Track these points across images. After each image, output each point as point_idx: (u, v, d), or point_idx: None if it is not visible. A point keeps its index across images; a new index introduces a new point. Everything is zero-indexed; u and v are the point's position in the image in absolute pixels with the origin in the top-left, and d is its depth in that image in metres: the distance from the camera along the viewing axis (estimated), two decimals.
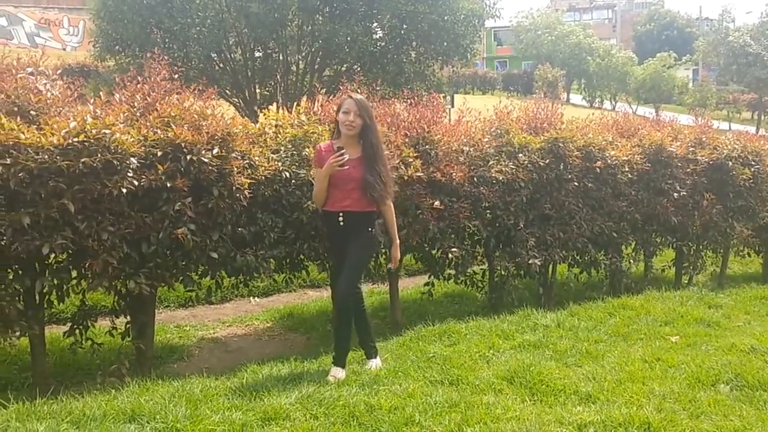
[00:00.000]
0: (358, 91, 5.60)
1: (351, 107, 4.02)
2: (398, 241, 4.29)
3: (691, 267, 7.42)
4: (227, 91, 15.70)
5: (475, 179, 5.52)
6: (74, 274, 4.05)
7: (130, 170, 3.87)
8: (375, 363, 4.22)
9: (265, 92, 16.32)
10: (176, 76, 4.64)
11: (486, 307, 6.07)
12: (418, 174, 5.10)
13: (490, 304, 6.06)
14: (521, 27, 45.07)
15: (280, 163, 4.69)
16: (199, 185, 4.21)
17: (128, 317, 4.39)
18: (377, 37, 15.80)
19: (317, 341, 5.36)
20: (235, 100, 16.00)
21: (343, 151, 3.95)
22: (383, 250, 5.22)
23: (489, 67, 48.93)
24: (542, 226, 6.00)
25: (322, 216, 4.29)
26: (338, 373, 3.98)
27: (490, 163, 5.65)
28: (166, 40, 14.38)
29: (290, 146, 4.89)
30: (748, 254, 8.23)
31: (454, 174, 5.30)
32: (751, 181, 7.35)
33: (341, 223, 4.05)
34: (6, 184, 3.53)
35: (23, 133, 3.62)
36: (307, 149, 4.86)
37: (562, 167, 5.94)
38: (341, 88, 5.73)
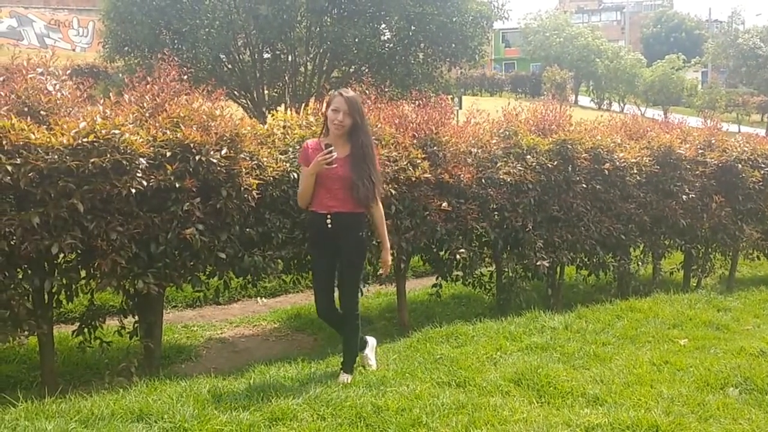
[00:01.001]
0: (366, 92, 5.62)
1: (341, 106, 3.83)
2: (388, 245, 4.05)
3: (700, 270, 7.38)
4: (236, 93, 15.76)
5: (483, 181, 5.51)
6: (83, 273, 4.07)
7: (139, 170, 3.88)
8: (347, 378, 4.00)
9: (274, 93, 16.36)
10: (185, 77, 4.65)
11: (493, 308, 6.06)
12: (426, 175, 5.10)
13: (497, 305, 6.05)
14: (529, 29, 44.96)
15: (288, 164, 4.70)
16: (208, 186, 4.22)
17: (136, 317, 4.41)
18: (385, 38, 15.82)
19: (324, 342, 5.37)
20: (244, 101, 16.06)
21: (331, 148, 3.82)
22: (392, 252, 5.21)
23: (495, 68, 48.84)
24: (550, 227, 5.98)
25: (309, 218, 4.16)
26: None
27: (498, 164, 5.64)
28: (175, 41, 14.47)
29: (298, 147, 4.89)
30: (757, 257, 8.16)
31: (462, 175, 5.29)
32: (761, 183, 7.30)
33: (329, 226, 3.92)
34: (16, 184, 3.55)
35: (33, 133, 3.64)
36: None
37: (570, 169, 5.92)
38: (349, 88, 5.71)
